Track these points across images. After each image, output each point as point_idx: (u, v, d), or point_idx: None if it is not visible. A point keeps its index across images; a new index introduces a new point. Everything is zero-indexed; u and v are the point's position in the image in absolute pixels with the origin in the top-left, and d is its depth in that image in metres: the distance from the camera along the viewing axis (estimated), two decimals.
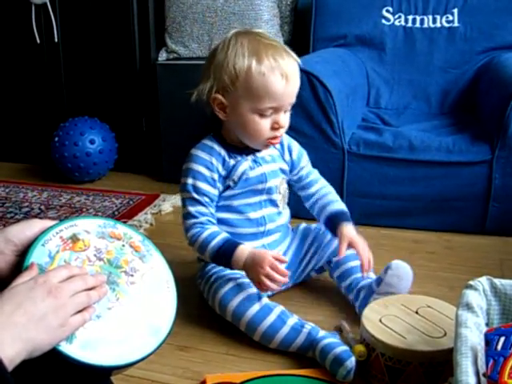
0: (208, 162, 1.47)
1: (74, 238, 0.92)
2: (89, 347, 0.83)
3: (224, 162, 1.48)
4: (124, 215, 2.30)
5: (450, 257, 1.89)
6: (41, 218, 1.01)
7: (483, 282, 1.12)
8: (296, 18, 2.73)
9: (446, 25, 2.48)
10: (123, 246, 0.97)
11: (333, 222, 1.56)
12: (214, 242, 1.42)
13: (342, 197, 2.04)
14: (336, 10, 2.56)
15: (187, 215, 1.48)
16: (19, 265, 0.86)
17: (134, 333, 0.88)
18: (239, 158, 1.50)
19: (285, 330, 1.36)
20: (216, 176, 1.47)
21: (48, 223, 0.92)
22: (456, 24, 2.47)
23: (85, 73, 2.87)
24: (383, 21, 2.54)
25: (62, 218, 2.26)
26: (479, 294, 1.09)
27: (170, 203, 2.41)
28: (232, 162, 1.49)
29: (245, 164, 1.49)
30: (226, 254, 1.41)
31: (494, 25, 2.42)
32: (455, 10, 2.47)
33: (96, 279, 0.87)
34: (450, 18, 2.48)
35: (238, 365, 1.34)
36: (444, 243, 2.00)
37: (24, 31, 2.86)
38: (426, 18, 2.51)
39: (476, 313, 1.03)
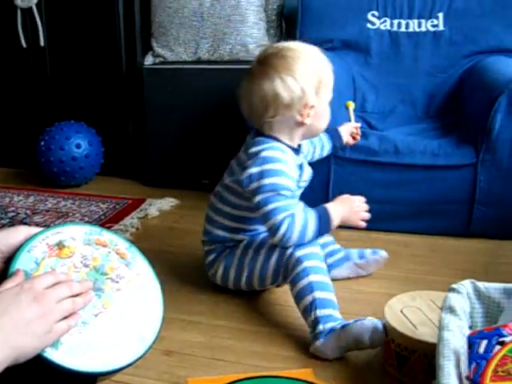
0: (287, 162, 1.50)
1: (60, 245, 0.92)
2: (74, 353, 0.83)
3: (295, 162, 1.55)
4: (110, 220, 2.29)
5: (436, 260, 1.91)
6: (26, 223, 1.00)
7: (466, 285, 1.13)
8: (282, 22, 2.74)
9: (432, 29, 2.49)
10: (109, 252, 0.97)
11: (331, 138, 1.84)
12: (311, 220, 1.47)
13: (327, 200, 2.06)
14: (322, 14, 2.56)
15: (275, 210, 1.46)
16: (5, 271, 0.86)
17: (119, 339, 0.89)
18: (299, 158, 1.59)
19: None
20: (296, 175, 1.54)
21: (34, 230, 0.92)
22: (441, 28, 2.48)
23: (71, 77, 2.86)
24: (369, 25, 2.54)
25: (48, 222, 2.25)
26: (462, 297, 1.11)
27: (156, 207, 2.41)
28: (298, 161, 1.57)
29: (305, 162, 1.62)
30: (324, 221, 1.49)
31: (479, 29, 2.43)
32: (440, 15, 2.49)
33: (82, 286, 0.87)
34: (435, 22, 2.49)
35: (223, 369, 1.34)
36: (429, 246, 2.01)
37: (10, 35, 2.85)
38: (411, 22, 2.52)
39: (459, 316, 1.04)
